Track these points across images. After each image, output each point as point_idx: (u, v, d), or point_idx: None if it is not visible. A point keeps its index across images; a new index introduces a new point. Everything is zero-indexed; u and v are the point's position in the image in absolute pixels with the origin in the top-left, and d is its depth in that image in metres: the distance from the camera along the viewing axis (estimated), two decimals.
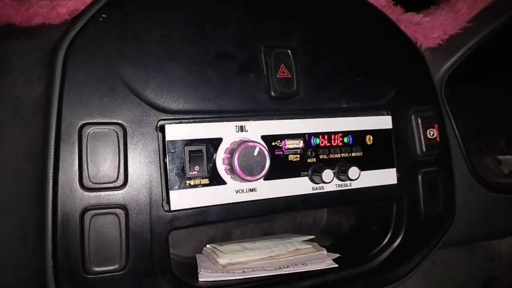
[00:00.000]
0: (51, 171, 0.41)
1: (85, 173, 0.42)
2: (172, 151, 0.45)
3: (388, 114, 0.58)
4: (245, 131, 0.49)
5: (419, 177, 0.59)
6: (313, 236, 0.63)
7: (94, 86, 0.43)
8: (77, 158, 0.42)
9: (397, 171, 0.58)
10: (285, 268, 0.55)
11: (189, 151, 0.46)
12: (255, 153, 0.46)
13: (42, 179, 0.41)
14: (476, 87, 0.86)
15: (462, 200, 0.66)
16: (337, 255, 0.57)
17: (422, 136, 0.59)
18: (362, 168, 0.54)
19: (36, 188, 0.42)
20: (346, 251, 0.61)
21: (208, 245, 0.62)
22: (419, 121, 0.59)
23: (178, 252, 0.63)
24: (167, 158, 0.45)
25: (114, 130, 0.43)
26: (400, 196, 0.58)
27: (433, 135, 0.59)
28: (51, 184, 0.41)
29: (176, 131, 0.46)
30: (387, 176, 0.57)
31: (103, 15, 0.45)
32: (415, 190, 0.59)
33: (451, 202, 0.63)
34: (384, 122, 0.57)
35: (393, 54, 0.60)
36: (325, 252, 0.59)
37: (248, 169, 0.46)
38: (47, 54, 0.45)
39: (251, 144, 0.46)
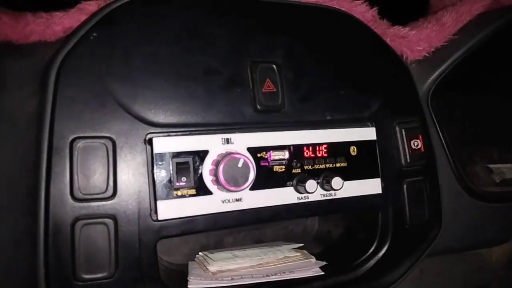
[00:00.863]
0: (43, 182, 0.43)
1: (75, 185, 0.44)
2: (159, 163, 0.47)
3: (372, 126, 0.59)
4: (231, 143, 0.51)
5: (404, 186, 0.61)
6: (302, 244, 0.65)
7: (85, 101, 0.46)
8: (68, 170, 0.44)
9: (382, 181, 0.59)
10: (273, 275, 0.56)
11: (176, 163, 0.48)
12: (240, 165, 0.48)
13: (35, 190, 0.43)
14: (467, 96, 0.88)
15: (450, 209, 0.67)
16: (324, 262, 0.59)
17: (406, 147, 0.60)
18: (347, 178, 0.56)
19: (29, 199, 0.44)
20: (335, 258, 0.62)
21: (200, 253, 0.64)
22: (403, 132, 0.61)
23: (172, 259, 0.65)
24: (155, 169, 0.47)
25: (103, 143, 0.45)
26: (385, 205, 0.60)
27: (417, 145, 0.61)
28: (43, 195, 0.43)
29: (164, 144, 0.48)
30: (371, 186, 0.58)
31: (94, 34, 0.47)
32: (401, 200, 0.61)
33: (437, 211, 0.64)
34: (368, 133, 0.59)
35: (377, 67, 0.62)
36: (313, 260, 0.61)
37: (232, 180, 0.48)
38: (41, 71, 0.47)
39: (235, 156, 0.48)
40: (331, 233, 0.70)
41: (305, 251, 0.64)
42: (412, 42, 0.69)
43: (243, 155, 0.49)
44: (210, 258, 0.59)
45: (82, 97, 0.46)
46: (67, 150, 0.44)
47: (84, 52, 0.47)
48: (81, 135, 0.45)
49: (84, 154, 0.45)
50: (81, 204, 0.44)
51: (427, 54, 0.70)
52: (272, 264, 0.60)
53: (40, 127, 0.44)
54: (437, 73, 0.69)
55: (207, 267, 0.57)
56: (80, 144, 0.45)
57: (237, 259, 0.59)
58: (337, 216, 0.69)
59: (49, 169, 0.44)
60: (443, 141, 0.68)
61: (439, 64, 0.69)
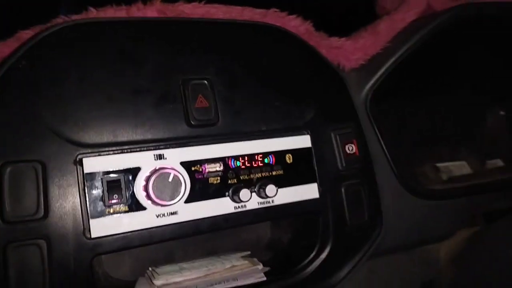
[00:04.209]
0: None
1: (6, 208, 0.45)
2: (91, 182, 0.49)
3: (307, 134, 0.62)
4: (163, 159, 0.52)
5: (343, 190, 0.63)
6: (249, 252, 0.66)
7: (15, 128, 0.47)
8: None
9: (319, 185, 0.61)
10: (217, 284, 0.58)
11: (107, 181, 0.49)
12: (170, 179, 0.50)
13: None
14: (412, 101, 0.91)
15: (392, 209, 0.70)
16: (268, 268, 0.60)
17: (341, 152, 0.63)
18: (284, 185, 0.58)
19: None
20: (282, 264, 0.64)
21: (150, 268, 0.65)
22: (338, 138, 0.63)
23: (122, 276, 0.65)
24: (86, 189, 0.48)
25: (33, 166, 0.47)
26: (323, 209, 0.62)
27: (352, 150, 0.64)
28: None
29: (94, 164, 0.49)
30: (308, 191, 0.61)
31: (23, 62, 0.49)
32: (339, 203, 0.63)
33: (377, 211, 0.66)
34: (303, 141, 0.61)
35: (311, 77, 0.65)
36: (259, 266, 0.62)
37: (163, 194, 0.50)
38: None
39: (165, 171, 0.50)
40: (281, 239, 0.72)
41: (255, 259, 0.65)
42: (348, 51, 0.73)
43: (174, 170, 0.51)
44: (156, 273, 0.60)
45: (12, 123, 0.47)
46: None
47: (13, 81, 0.48)
48: (11, 159, 0.46)
49: (14, 178, 0.46)
50: (12, 227, 0.45)
51: (363, 63, 0.74)
52: (218, 274, 0.61)
53: None
54: (373, 80, 0.72)
55: (153, 281, 0.59)
56: (9, 168, 0.46)
57: (183, 272, 0.61)
58: (286, 223, 0.71)
59: None
60: (383, 144, 0.71)
61: (375, 72, 0.72)
